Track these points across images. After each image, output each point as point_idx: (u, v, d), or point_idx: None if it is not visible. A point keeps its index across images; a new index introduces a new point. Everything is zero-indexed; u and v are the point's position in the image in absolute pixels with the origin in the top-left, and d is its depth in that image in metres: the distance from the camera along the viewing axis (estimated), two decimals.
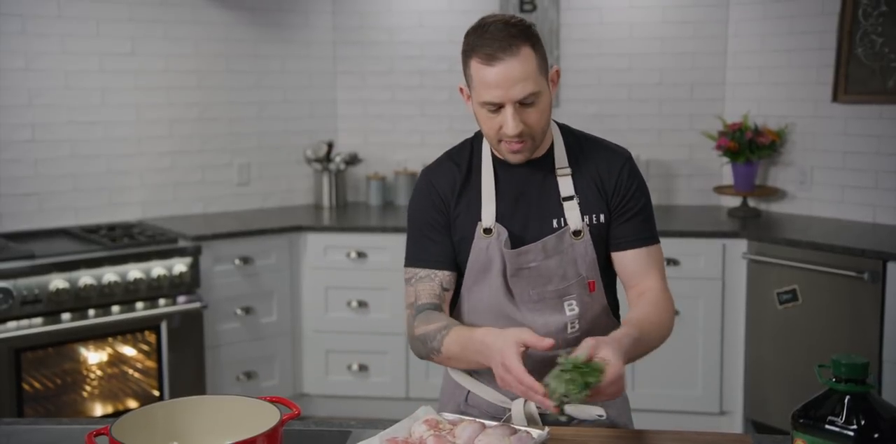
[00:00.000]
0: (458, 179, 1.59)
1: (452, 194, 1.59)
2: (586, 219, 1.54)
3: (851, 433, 1.12)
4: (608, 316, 1.62)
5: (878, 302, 2.91)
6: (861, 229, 3.37)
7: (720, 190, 3.83)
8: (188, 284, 3.21)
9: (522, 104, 1.45)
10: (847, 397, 1.14)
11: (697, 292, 3.36)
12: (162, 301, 3.16)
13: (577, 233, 1.53)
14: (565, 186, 1.55)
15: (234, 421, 1.34)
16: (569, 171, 1.56)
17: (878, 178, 3.44)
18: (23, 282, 2.88)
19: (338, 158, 4.04)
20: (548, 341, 1.29)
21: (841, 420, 1.13)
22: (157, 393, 3.19)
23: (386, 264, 3.50)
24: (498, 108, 1.46)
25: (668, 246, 3.34)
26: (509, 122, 1.45)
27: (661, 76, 3.95)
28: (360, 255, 3.55)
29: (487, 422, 1.42)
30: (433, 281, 1.56)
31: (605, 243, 1.57)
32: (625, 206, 1.56)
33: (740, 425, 3.36)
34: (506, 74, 1.43)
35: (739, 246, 3.31)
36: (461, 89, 1.56)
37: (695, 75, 3.92)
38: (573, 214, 1.53)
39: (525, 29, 1.47)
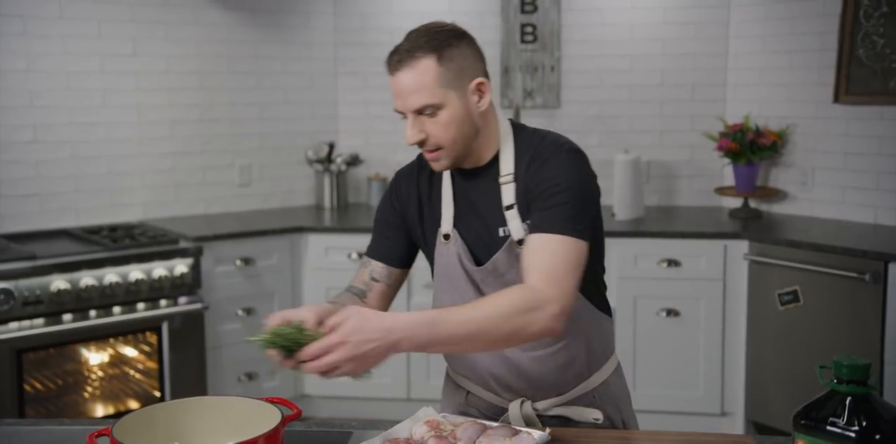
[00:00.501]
0: (424, 182, 1.62)
1: (411, 199, 1.62)
2: (526, 225, 1.50)
3: (853, 435, 1.12)
4: (591, 312, 1.58)
5: (879, 303, 2.91)
6: (862, 230, 3.37)
7: (721, 191, 3.83)
8: (189, 284, 3.21)
9: (423, 114, 1.46)
10: (848, 398, 1.14)
11: (698, 293, 3.36)
12: (163, 302, 3.16)
13: (521, 242, 1.49)
14: (507, 194, 1.51)
15: (236, 422, 1.34)
16: (511, 178, 1.51)
17: (880, 179, 3.44)
18: (24, 283, 2.88)
19: (339, 159, 4.05)
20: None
21: (842, 422, 1.13)
22: (158, 394, 3.19)
23: None
24: (405, 116, 1.49)
25: (670, 247, 3.37)
26: (406, 130, 1.48)
27: (663, 77, 3.95)
28: (362, 256, 3.55)
29: (489, 423, 1.42)
30: (366, 269, 1.64)
31: None
32: (537, 191, 1.46)
33: (741, 426, 3.36)
34: (399, 84, 1.46)
35: (741, 247, 3.31)
36: None
37: (696, 76, 3.92)
38: (515, 223, 1.50)
39: (437, 40, 1.45)
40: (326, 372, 1.26)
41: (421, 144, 1.49)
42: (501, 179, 1.52)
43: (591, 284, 1.57)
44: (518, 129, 1.57)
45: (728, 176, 3.87)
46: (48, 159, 3.47)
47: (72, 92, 3.50)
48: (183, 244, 3.27)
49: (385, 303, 1.64)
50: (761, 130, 3.68)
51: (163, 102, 3.74)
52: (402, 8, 4.10)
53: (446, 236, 1.56)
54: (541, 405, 1.56)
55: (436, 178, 1.60)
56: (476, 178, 1.55)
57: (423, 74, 1.44)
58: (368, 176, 4.17)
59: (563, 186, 1.44)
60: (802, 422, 1.17)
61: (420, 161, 1.64)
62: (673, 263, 3.36)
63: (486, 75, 1.52)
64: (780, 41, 3.70)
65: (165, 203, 3.79)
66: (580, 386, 1.58)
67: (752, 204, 3.79)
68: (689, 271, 3.35)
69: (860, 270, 2.94)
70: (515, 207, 1.50)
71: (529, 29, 4.02)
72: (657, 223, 3.60)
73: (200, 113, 3.85)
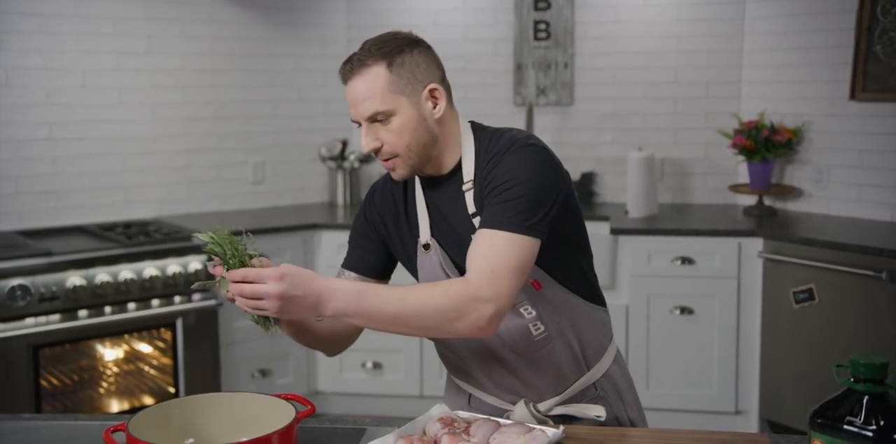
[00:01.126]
0: (398, 194, 1.61)
1: (386, 210, 1.61)
2: None
3: (870, 434, 1.11)
4: (581, 307, 1.55)
5: (895, 301, 2.89)
6: (878, 227, 3.35)
7: (735, 188, 3.81)
8: (203, 281, 3.21)
9: (376, 122, 1.46)
10: (865, 397, 1.13)
11: (713, 291, 3.34)
12: (177, 299, 3.18)
13: None
14: (471, 201, 1.50)
15: (250, 418, 1.35)
16: (471, 185, 1.50)
17: None
18: (41, 279, 2.90)
19: (352, 157, 4.05)
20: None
21: (859, 421, 1.12)
22: (172, 390, 3.21)
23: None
24: (360, 125, 1.49)
25: (683, 244, 3.35)
26: (362, 139, 1.48)
27: (677, 74, 3.93)
28: None
29: (502, 420, 1.42)
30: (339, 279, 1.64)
31: None
32: (490, 192, 1.43)
33: (756, 424, 3.34)
34: (352, 93, 1.46)
35: (755, 245, 3.29)
36: None
37: (710, 73, 3.90)
38: None
39: (387, 47, 1.44)
40: (246, 301, 1.28)
41: (377, 152, 1.48)
42: (464, 187, 1.50)
43: (580, 277, 1.55)
44: (478, 131, 1.54)
45: (742, 173, 3.85)
46: (64, 156, 3.50)
47: (87, 89, 3.52)
48: (197, 241, 3.28)
49: None
50: (776, 127, 3.66)
51: (177, 100, 3.76)
52: (415, 5, 4.10)
53: (426, 246, 1.54)
54: (543, 406, 1.55)
55: (409, 188, 1.59)
56: (441, 186, 1.54)
57: (373, 81, 1.43)
58: (381, 173, 4.16)
59: (513, 182, 1.41)
60: (819, 421, 1.16)
61: None
62: (687, 260, 3.35)
63: (443, 82, 1.50)
64: (795, 38, 3.67)
65: (179, 200, 3.80)
66: (580, 381, 1.57)
67: (767, 202, 3.77)
68: (703, 268, 3.34)
69: (876, 268, 2.92)
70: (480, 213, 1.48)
71: (543, 26, 4.01)
72: (671, 221, 3.59)
73: (214, 110, 3.87)
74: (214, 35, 3.83)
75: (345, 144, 4.08)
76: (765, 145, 3.61)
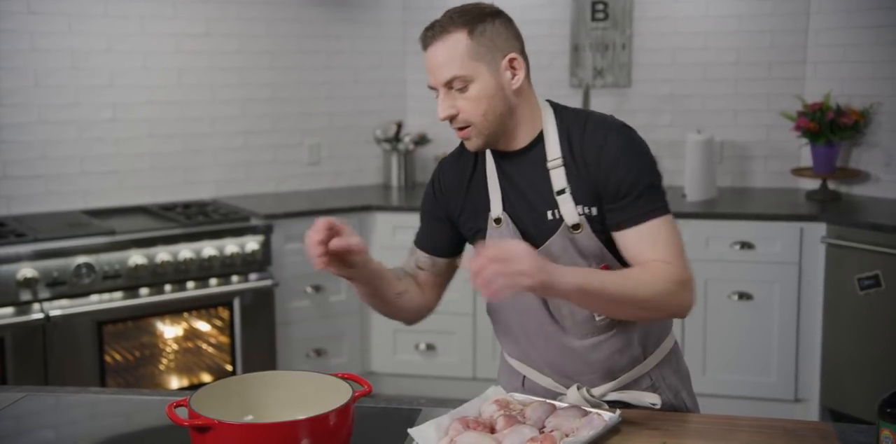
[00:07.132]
0: (467, 169, 1.60)
1: (459, 187, 1.60)
2: (580, 209, 1.47)
3: None
4: None
5: None
6: None
7: (798, 172, 3.71)
8: (260, 261, 3.27)
9: (454, 89, 1.45)
10: None
11: (772, 277, 3.27)
12: (235, 278, 3.23)
13: (575, 226, 1.47)
14: (557, 178, 1.48)
15: (308, 396, 1.36)
16: (560, 162, 1.48)
17: None
18: (104, 257, 2.97)
19: (407, 138, 4.06)
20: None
21: None
22: (229, 368, 3.27)
23: None
24: (438, 92, 1.49)
25: (743, 229, 3.29)
26: (438, 105, 1.48)
27: (738, 55, 3.84)
28: None
29: (558, 404, 1.41)
30: (412, 257, 1.69)
31: (605, 228, 1.49)
32: (611, 184, 1.45)
33: (816, 413, 3.28)
34: (431, 58, 1.46)
35: (818, 230, 3.21)
36: None
37: (773, 54, 3.80)
38: (567, 208, 1.47)
39: (470, 15, 1.45)
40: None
41: (452, 119, 1.48)
42: (550, 164, 1.49)
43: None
44: (558, 109, 1.55)
45: (806, 157, 3.75)
46: (126, 137, 3.57)
47: (148, 71, 3.58)
48: (254, 222, 3.33)
49: (432, 291, 1.67)
50: (843, 108, 3.55)
51: (235, 82, 3.80)
52: None
53: (497, 220, 1.54)
54: (597, 391, 1.55)
55: (479, 163, 1.59)
56: (519, 160, 1.53)
57: (453, 47, 1.44)
58: (436, 155, 4.16)
59: (635, 173, 1.44)
60: (889, 410, 1.13)
61: (463, 148, 1.62)
62: (746, 245, 3.28)
63: (522, 54, 1.51)
64: (864, 16, 3.54)
65: (237, 181, 3.86)
66: (636, 369, 1.56)
67: (831, 186, 3.66)
68: (762, 253, 3.27)
69: None
70: (568, 191, 1.47)
71: (601, 6, 3.94)
72: (730, 205, 3.52)
73: (271, 92, 3.90)
74: (271, 17, 3.85)
75: (400, 125, 4.08)
76: (830, 128, 3.51)
